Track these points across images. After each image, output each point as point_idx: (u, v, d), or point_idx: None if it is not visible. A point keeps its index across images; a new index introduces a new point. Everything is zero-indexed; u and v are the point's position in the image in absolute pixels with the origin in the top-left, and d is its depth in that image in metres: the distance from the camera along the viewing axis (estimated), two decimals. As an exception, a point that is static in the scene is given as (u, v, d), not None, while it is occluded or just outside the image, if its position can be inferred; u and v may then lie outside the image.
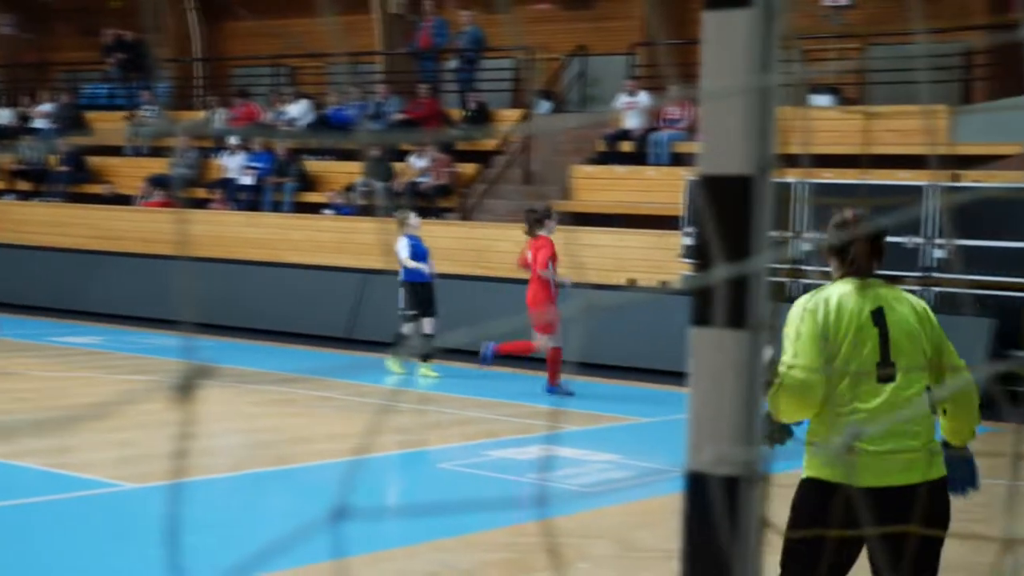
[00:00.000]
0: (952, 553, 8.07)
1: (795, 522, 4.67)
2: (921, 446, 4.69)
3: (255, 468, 10.37)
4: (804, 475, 4.76)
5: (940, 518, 4.72)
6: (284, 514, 8.76)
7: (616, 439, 12.24)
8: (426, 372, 16.01)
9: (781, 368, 4.63)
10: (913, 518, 4.44)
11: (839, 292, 4.80)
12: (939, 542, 4.74)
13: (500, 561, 7.65)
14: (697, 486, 1.95)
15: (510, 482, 9.97)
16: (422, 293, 16.03)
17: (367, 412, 13.61)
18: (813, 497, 4.66)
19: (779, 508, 9.07)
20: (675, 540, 2.00)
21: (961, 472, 4.92)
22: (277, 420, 12.78)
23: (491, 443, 11.73)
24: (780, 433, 4.81)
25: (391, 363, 15.96)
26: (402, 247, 16.08)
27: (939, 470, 4.74)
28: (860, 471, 4.56)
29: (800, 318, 4.73)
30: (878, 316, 4.76)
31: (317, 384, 15.11)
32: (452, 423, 12.89)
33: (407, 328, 16.01)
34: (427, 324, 16.01)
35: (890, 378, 4.71)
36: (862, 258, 4.87)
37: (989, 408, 15.57)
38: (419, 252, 16.13)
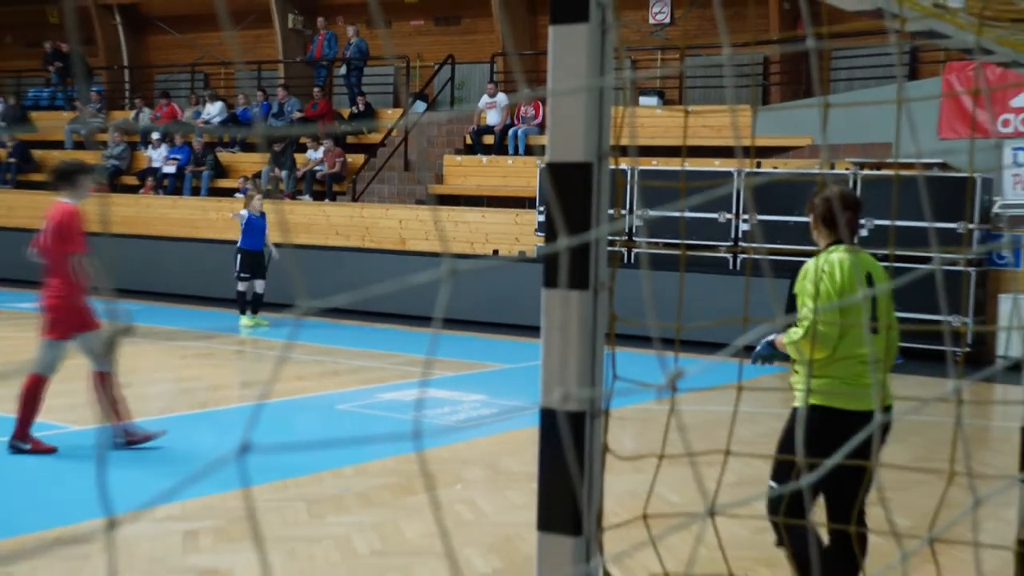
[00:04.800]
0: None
1: (803, 442, 4.50)
2: (885, 380, 4.80)
3: (181, 411, 10.19)
4: (810, 403, 4.67)
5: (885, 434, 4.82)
6: (208, 449, 8.64)
7: (484, 382, 12.26)
8: (258, 322, 15.98)
9: (804, 320, 4.64)
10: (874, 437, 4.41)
11: (840, 258, 4.73)
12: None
13: (390, 485, 7.64)
14: (549, 421, 1.96)
15: (397, 419, 9.95)
16: (253, 259, 15.94)
17: (275, 363, 13.43)
18: (817, 421, 4.59)
19: (619, 437, 9.08)
20: (535, 465, 2.00)
21: None
22: (199, 370, 12.57)
23: (380, 387, 11.68)
24: (778, 359, 4.97)
25: (244, 320, 16.02)
26: (241, 220, 16.04)
27: (890, 398, 4.77)
28: (856, 400, 4.61)
29: (818, 278, 4.67)
30: (869, 279, 4.80)
31: (232, 340, 14.90)
32: (347, 371, 12.81)
33: (242, 287, 16.00)
34: (258, 285, 16.00)
35: (875, 330, 4.74)
36: (849, 229, 4.82)
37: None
38: (253, 226, 15.93)
